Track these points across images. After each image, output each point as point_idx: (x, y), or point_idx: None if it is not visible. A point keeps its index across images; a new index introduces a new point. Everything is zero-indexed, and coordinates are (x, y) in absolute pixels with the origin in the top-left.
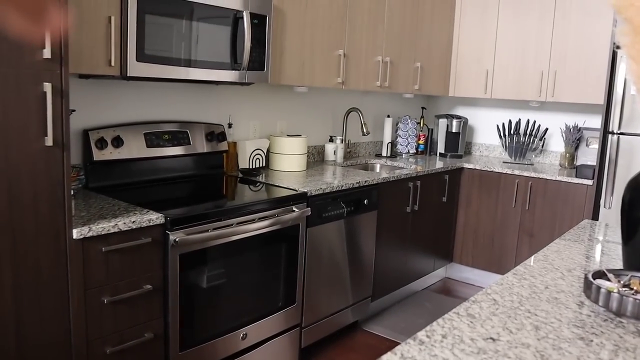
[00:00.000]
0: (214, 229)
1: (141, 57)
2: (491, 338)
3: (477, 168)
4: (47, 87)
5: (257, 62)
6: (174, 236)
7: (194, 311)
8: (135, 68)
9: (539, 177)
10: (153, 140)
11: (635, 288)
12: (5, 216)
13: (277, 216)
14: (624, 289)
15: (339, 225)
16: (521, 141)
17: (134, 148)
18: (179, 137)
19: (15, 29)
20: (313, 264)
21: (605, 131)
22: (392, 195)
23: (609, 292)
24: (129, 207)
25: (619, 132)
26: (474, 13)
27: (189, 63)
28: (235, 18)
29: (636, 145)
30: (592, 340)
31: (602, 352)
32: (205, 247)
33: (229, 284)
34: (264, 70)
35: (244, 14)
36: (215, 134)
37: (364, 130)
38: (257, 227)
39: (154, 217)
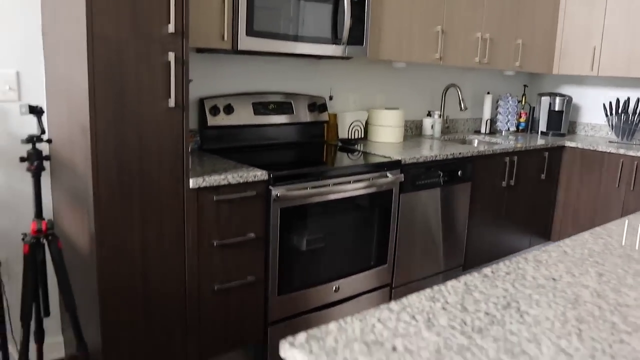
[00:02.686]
0: (312, 187)
1: (250, 32)
2: (553, 278)
3: (579, 147)
4: (171, 56)
5: (356, 37)
6: (276, 191)
7: (292, 261)
8: (245, 42)
9: None
10: (260, 109)
11: None
12: (136, 160)
13: (371, 180)
14: None
15: (431, 194)
16: (630, 120)
17: (243, 115)
18: (283, 107)
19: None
20: (405, 228)
21: None
22: (487, 169)
23: None
24: (237, 165)
25: None
26: None
27: (294, 38)
28: None
29: None
30: None
31: None
32: (303, 203)
33: (324, 239)
34: (362, 45)
35: None
36: (317, 105)
37: (462, 106)
38: (352, 188)
39: (259, 174)
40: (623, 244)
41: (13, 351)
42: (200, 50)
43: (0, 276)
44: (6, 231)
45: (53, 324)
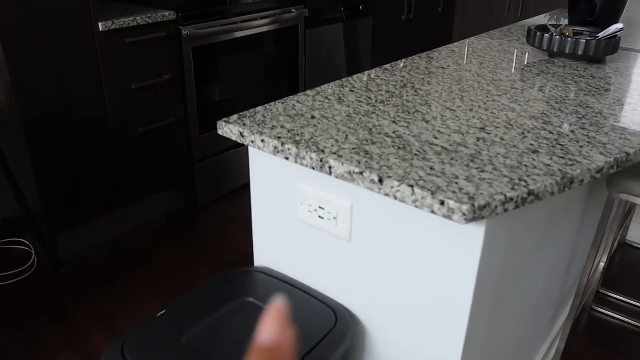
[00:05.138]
0: (221, 25)
1: None
2: (442, 67)
3: None
4: None
5: None
6: (186, 30)
7: (209, 101)
8: None
9: None
10: None
11: (567, 34)
12: (41, 9)
13: (277, 16)
14: (560, 36)
15: (336, 28)
16: None
17: None
18: None
19: None
20: (313, 64)
21: None
22: (387, 2)
23: (551, 36)
24: (144, 9)
25: None
26: None
27: None
28: None
29: None
30: (523, 69)
31: (528, 75)
32: (214, 41)
33: (237, 78)
34: None
35: None
36: None
37: None
38: (259, 24)
39: (167, 13)
40: (502, 43)
41: None
42: None
43: None
44: None
45: None
